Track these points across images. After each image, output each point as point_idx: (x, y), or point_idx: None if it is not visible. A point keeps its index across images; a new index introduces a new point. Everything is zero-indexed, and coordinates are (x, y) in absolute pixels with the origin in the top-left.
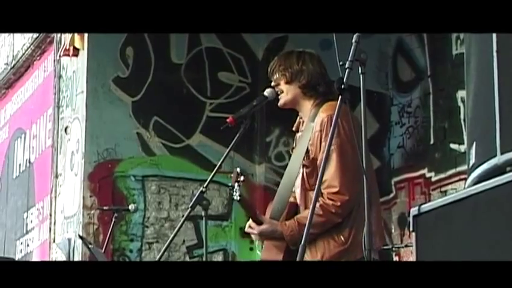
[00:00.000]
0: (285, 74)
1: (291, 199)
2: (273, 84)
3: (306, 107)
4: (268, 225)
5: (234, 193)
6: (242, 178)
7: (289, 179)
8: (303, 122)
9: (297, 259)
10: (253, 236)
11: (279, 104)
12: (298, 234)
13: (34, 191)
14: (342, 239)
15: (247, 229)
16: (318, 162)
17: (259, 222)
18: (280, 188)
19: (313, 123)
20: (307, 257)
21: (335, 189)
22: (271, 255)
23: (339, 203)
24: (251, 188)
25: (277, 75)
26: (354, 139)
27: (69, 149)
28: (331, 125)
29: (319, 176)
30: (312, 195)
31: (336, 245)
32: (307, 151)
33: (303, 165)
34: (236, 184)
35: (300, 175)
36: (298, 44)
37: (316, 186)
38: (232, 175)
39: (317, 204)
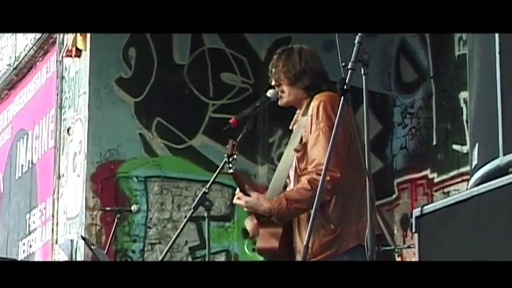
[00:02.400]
0: (288, 76)
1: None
2: (273, 83)
3: (305, 103)
4: (256, 197)
5: (230, 165)
6: (237, 152)
7: (284, 168)
8: (299, 116)
9: (301, 258)
10: (240, 206)
11: (280, 104)
12: (285, 209)
13: (37, 192)
14: (332, 227)
15: (234, 200)
16: (308, 146)
17: (247, 195)
18: (275, 177)
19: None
20: (298, 244)
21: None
22: (268, 243)
23: (328, 178)
24: (254, 189)
25: (279, 76)
26: (347, 131)
27: (71, 149)
28: (323, 108)
29: (325, 160)
30: (304, 180)
31: (326, 233)
32: (301, 138)
33: (295, 150)
34: (232, 156)
35: (294, 164)
36: None
37: (324, 169)
38: (227, 146)
39: (305, 180)
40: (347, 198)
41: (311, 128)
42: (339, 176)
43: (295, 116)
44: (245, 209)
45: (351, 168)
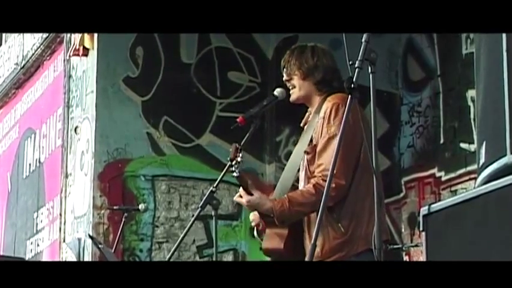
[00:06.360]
0: (301, 70)
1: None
2: (285, 78)
3: (317, 101)
4: (258, 196)
5: (234, 169)
6: (241, 155)
7: (291, 168)
8: (311, 115)
9: (307, 258)
10: (241, 204)
11: (290, 99)
12: (288, 211)
13: (44, 191)
14: (342, 229)
15: (236, 198)
16: (317, 149)
17: (250, 194)
18: (283, 177)
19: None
20: (308, 246)
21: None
22: (273, 244)
23: (333, 185)
24: (261, 188)
25: (291, 70)
26: (358, 134)
27: (79, 148)
28: (335, 112)
29: (332, 161)
30: (310, 184)
31: (336, 236)
32: (311, 139)
33: (305, 152)
34: (235, 160)
35: (303, 165)
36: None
37: (329, 173)
38: (231, 149)
39: (310, 185)
40: (358, 202)
41: (322, 131)
42: (343, 183)
43: (307, 114)
44: (246, 208)
45: (363, 171)
